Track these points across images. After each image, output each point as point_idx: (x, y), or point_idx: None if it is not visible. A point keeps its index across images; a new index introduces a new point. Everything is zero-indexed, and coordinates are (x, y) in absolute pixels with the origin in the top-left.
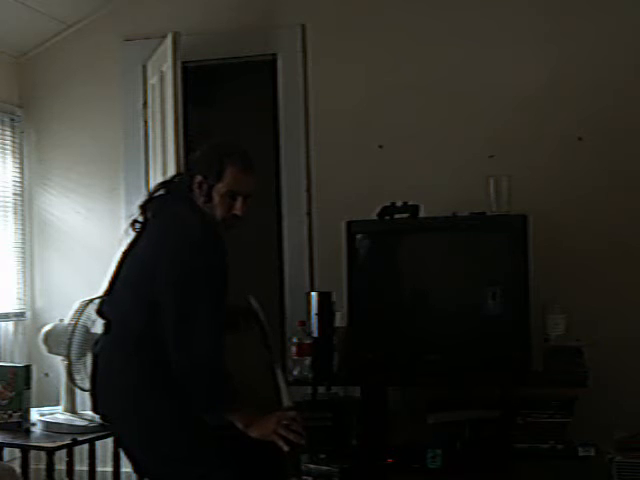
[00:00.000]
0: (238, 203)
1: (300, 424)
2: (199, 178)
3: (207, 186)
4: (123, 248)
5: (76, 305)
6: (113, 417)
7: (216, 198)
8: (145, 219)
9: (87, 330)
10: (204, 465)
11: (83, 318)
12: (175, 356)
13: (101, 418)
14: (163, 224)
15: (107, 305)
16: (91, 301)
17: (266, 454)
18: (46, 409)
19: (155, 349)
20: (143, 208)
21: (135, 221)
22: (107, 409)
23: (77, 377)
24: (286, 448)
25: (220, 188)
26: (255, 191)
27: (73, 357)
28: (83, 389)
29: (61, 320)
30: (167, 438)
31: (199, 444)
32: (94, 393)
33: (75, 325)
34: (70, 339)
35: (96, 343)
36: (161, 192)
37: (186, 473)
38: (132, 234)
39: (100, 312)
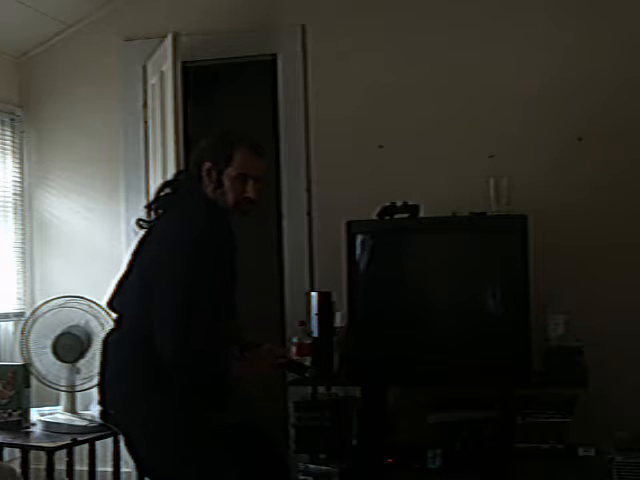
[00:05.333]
0: (249, 186)
1: (279, 347)
2: (208, 165)
3: (216, 172)
4: (133, 246)
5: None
6: (119, 412)
7: (227, 183)
8: (156, 217)
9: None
10: (209, 464)
11: (40, 314)
12: (165, 345)
13: (101, 414)
14: (171, 221)
15: (118, 300)
16: (64, 297)
17: (271, 453)
18: (46, 409)
19: None
20: (149, 207)
21: (140, 220)
22: (113, 404)
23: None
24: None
25: (230, 172)
26: (265, 176)
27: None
28: (41, 381)
29: None
30: (172, 437)
31: (204, 443)
32: (102, 387)
33: (30, 317)
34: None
35: (108, 337)
36: (167, 191)
37: (191, 472)
38: (140, 233)
39: (111, 306)
